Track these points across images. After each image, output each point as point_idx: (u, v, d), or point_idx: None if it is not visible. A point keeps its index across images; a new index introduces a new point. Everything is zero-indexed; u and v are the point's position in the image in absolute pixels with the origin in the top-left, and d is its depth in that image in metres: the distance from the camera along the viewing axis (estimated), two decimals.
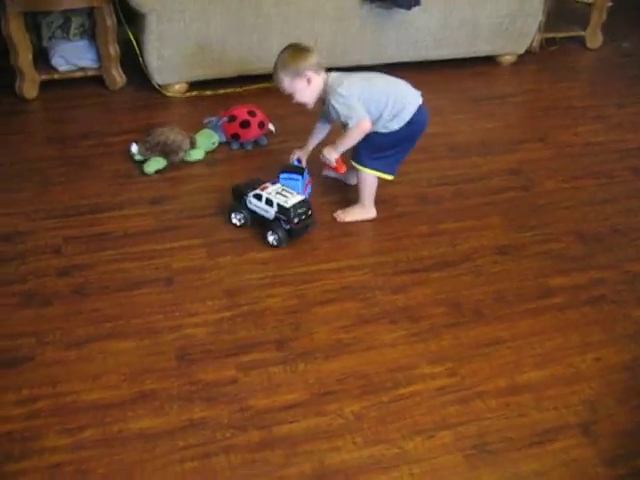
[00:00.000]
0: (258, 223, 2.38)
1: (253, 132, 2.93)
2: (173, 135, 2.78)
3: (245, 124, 2.91)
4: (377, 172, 2.43)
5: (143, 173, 2.73)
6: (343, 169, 2.42)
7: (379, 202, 2.51)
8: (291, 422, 1.71)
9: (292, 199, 2.31)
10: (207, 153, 2.88)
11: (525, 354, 1.95)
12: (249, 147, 2.96)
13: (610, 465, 1.64)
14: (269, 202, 2.32)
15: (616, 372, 1.90)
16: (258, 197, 2.35)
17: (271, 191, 2.35)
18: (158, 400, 1.77)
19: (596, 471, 1.62)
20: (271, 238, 2.32)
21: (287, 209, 2.27)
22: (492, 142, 3.11)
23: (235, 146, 2.95)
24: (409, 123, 2.35)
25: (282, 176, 2.49)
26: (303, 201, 2.33)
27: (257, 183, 2.41)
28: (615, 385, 1.86)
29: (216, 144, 2.92)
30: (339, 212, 2.51)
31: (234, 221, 2.42)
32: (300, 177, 2.48)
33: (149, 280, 2.18)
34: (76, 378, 1.83)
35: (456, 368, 1.89)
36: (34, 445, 1.64)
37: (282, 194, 2.33)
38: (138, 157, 2.77)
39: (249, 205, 2.38)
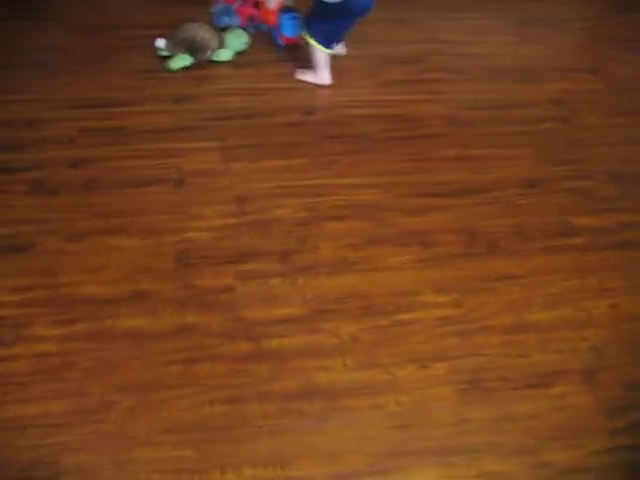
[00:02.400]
0: None
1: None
2: (202, 32, 2.67)
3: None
4: (314, 41, 2.52)
5: (168, 69, 2.63)
6: (273, 21, 2.75)
7: (405, 121, 2.43)
8: (283, 337, 1.67)
9: None
10: (236, 54, 2.76)
11: (537, 293, 1.86)
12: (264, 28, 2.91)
13: (607, 415, 1.57)
14: None
15: (629, 321, 1.81)
16: None
17: None
18: (152, 301, 1.74)
19: (591, 420, 1.56)
20: None
21: None
22: (535, 68, 2.92)
23: (251, 30, 2.89)
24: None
25: (285, 17, 2.72)
26: None
27: None
28: (626, 334, 1.77)
29: (246, 45, 2.79)
30: (299, 70, 2.67)
31: None
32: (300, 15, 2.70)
33: (159, 179, 2.12)
34: (74, 270, 1.81)
35: (462, 300, 1.82)
36: (24, 332, 1.64)
37: None
38: (164, 52, 2.67)
39: None
